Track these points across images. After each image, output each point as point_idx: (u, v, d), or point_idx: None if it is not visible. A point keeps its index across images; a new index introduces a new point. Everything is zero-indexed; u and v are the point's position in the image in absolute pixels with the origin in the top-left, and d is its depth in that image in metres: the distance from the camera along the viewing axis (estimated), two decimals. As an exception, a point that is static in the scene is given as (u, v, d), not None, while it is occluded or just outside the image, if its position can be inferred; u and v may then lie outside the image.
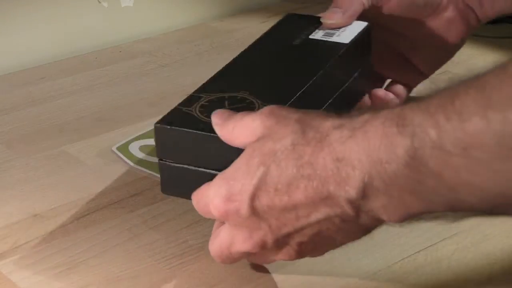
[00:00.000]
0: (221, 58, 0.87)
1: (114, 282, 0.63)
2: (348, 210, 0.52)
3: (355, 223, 0.53)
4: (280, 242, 0.56)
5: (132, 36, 1.09)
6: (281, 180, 0.53)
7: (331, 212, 0.52)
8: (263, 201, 0.54)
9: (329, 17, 0.73)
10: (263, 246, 0.56)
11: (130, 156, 0.79)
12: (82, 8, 1.07)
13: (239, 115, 0.58)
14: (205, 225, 0.69)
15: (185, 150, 0.62)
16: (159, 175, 0.76)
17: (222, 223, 0.59)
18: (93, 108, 0.89)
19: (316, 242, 0.56)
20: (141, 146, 0.80)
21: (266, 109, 0.56)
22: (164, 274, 0.63)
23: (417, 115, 0.47)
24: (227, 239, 0.58)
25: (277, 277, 0.63)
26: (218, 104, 0.63)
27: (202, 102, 0.64)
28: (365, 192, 0.50)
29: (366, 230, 0.55)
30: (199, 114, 0.62)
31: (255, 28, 1.10)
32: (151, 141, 0.76)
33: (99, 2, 1.08)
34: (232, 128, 0.57)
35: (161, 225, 0.69)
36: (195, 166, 0.62)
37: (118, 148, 0.80)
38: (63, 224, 0.69)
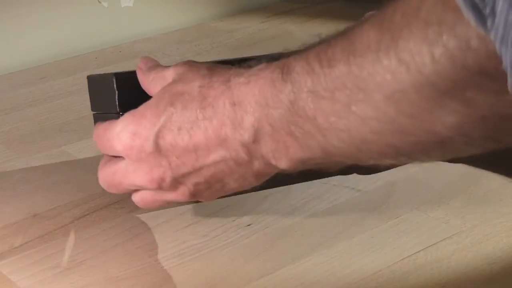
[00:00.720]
0: (221, 58, 0.87)
1: (114, 282, 0.63)
2: (242, 153, 0.55)
3: (249, 168, 0.56)
4: (177, 182, 0.59)
5: (132, 36, 1.09)
6: (185, 120, 0.56)
7: (227, 154, 0.56)
8: (167, 139, 0.57)
9: None
10: (160, 183, 0.59)
11: (130, 156, 0.78)
12: (82, 8, 1.07)
13: (161, 67, 0.62)
14: (205, 225, 0.69)
15: (108, 97, 0.64)
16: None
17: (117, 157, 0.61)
18: (93, 108, 0.89)
19: (211, 184, 0.58)
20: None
21: (183, 61, 0.61)
22: (164, 274, 0.63)
23: (298, 63, 0.51)
24: (123, 170, 0.60)
25: (277, 277, 0.63)
26: None
27: None
28: (256, 136, 0.54)
29: (259, 176, 0.58)
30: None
31: (255, 28, 1.10)
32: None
33: (99, 2, 1.08)
34: (151, 78, 0.61)
35: (161, 225, 0.69)
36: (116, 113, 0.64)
37: (118, 148, 0.79)
38: (63, 224, 0.69)
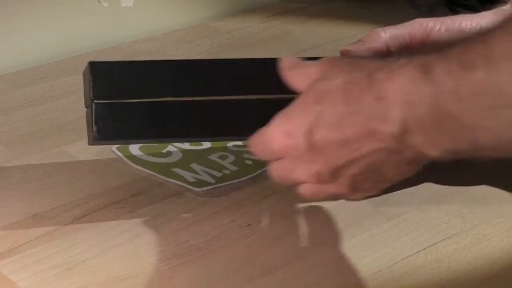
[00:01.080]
0: (221, 58, 0.87)
1: (114, 282, 0.63)
2: (393, 144, 0.57)
3: (402, 156, 0.58)
4: (335, 174, 0.61)
5: (132, 36, 1.09)
6: (333, 116, 0.58)
7: (378, 145, 0.58)
8: (319, 136, 0.59)
9: (350, 46, 0.72)
10: (318, 177, 0.62)
11: (130, 156, 0.79)
12: (82, 8, 1.07)
13: (303, 63, 0.64)
14: (205, 225, 0.69)
15: (124, 84, 0.67)
16: (159, 175, 0.76)
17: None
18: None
19: (368, 174, 0.61)
20: (141, 146, 0.79)
21: (324, 58, 0.63)
22: (164, 274, 0.63)
23: (439, 64, 0.54)
24: (284, 168, 0.64)
25: (277, 277, 0.63)
26: None
27: None
28: (403, 129, 0.56)
29: (414, 164, 0.60)
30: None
31: (255, 28, 1.10)
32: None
33: (99, 2, 1.08)
34: (296, 75, 0.64)
35: (161, 225, 0.69)
36: (137, 99, 0.66)
37: (118, 148, 0.79)
38: (63, 224, 0.69)
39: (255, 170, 0.76)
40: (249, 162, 0.77)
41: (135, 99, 0.67)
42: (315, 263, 0.64)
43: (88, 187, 0.75)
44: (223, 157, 0.78)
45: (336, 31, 1.05)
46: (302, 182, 0.64)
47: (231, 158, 0.78)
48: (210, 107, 0.68)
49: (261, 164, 0.77)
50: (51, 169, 0.78)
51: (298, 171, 0.63)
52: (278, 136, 0.62)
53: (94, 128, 0.67)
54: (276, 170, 0.65)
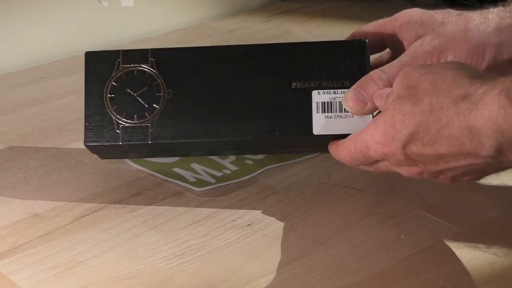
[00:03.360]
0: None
1: (114, 282, 0.63)
2: (490, 161, 0.59)
3: (500, 165, 0.61)
4: (435, 174, 0.63)
5: (132, 36, 1.09)
6: (426, 137, 0.60)
7: (475, 161, 0.60)
8: (414, 150, 0.62)
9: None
10: (420, 176, 0.64)
11: (130, 156, 0.79)
12: (82, 8, 1.07)
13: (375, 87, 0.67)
14: (205, 225, 0.69)
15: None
16: (159, 175, 0.76)
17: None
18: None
19: (468, 174, 0.63)
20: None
21: (403, 70, 0.64)
22: (164, 274, 0.63)
23: None
24: (385, 166, 0.66)
25: (277, 278, 0.63)
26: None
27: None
28: (498, 151, 0.58)
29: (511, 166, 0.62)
30: (115, 115, 0.69)
31: (255, 28, 1.10)
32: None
33: (99, 2, 1.08)
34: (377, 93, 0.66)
35: (161, 225, 0.69)
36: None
37: (118, 148, 0.79)
38: (63, 224, 0.69)
39: (255, 170, 0.76)
40: (249, 162, 0.77)
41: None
42: (315, 263, 0.64)
43: (88, 187, 0.75)
44: (223, 157, 0.78)
45: (336, 31, 1.05)
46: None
47: (231, 158, 0.78)
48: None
49: (261, 164, 0.77)
50: (51, 169, 0.78)
51: (399, 171, 0.65)
52: (376, 147, 0.63)
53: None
54: (376, 167, 0.67)
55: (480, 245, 0.66)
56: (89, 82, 0.70)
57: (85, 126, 0.69)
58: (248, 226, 0.69)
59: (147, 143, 0.68)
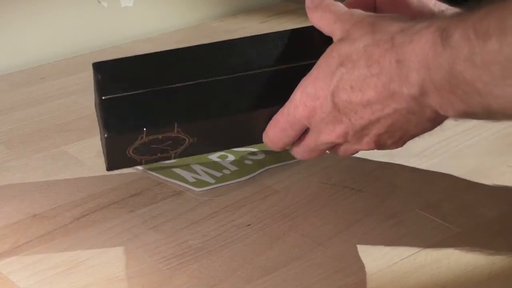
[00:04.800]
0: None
1: (114, 282, 0.63)
2: (412, 104, 0.59)
3: (422, 115, 0.60)
4: (360, 134, 0.63)
5: (132, 36, 1.09)
6: (355, 78, 0.61)
7: (399, 106, 0.60)
8: (342, 97, 0.62)
9: None
10: (345, 137, 0.64)
11: (130, 156, 0.79)
12: (82, 8, 1.07)
13: (326, 3, 0.67)
14: (205, 225, 0.69)
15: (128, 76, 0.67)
16: (159, 175, 0.76)
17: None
18: (93, 108, 0.89)
19: (392, 133, 0.63)
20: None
21: (347, 15, 0.65)
22: (164, 274, 0.63)
23: (456, 30, 0.55)
24: (313, 135, 0.66)
25: (277, 278, 0.63)
26: None
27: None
28: (422, 91, 0.58)
29: (434, 122, 0.62)
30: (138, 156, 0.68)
31: (255, 28, 1.10)
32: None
33: (99, 2, 1.08)
34: (319, 16, 0.68)
35: (161, 225, 0.69)
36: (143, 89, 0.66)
37: (118, 148, 0.80)
38: (63, 224, 0.69)
39: (255, 170, 0.76)
40: (249, 162, 0.77)
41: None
42: (315, 263, 0.64)
43: (88, 187, 0.75)
44: (223, 157, 0.78)
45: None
46: (329, 146, 0.66)
47: (231, 158, 0.78)
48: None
49: (261, 164, 0.77)
50: (51, 169, 0.78)
51: (325, 133, 0.65)
52: (305, 99, 0.64)
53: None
54: (304, 148, 0.68)
55: (480, 245, 0.66)
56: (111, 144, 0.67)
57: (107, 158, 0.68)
58: (248, 226, 0.69)
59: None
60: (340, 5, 0.67)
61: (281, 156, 0.77)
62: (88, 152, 0.81)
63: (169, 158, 0.70)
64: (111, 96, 0.66)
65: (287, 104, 0.66)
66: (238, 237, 0.67)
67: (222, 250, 0.66)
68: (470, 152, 0.78)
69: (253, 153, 0.79)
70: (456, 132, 0.82)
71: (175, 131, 0.67)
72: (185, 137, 0.68)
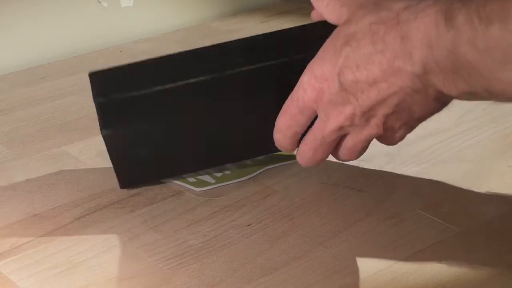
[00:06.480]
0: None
1: (114, 282, 0.63)
2: (417, 82, 0.60)
3: (427, 95, 0.61)
4: (368, 115, 0.63)
5: (132, 36, 1.10)
6: (360, 56, 0.61)
7: (404, 84, 0.60)
8: (348, 77, 0.62)
9: None
10: (353, 118, 0.64)
11: (130, 156, 0.79)
12: (82, 8, 1.07)
13: None
14: (205, 225, 0.69)
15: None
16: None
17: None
18: (93, 108, 0.89)
19: (399, 113, 0.63)
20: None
21: None
22: (164, 274, 0.63)
23: (460, 12, 0.56)
24: (319, 125, 0.66)
25: (277, 278, 0.63)
26: None
27: None
28: (425, 69, 0.58)
29: (439, 101, 0.62)
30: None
31: (255, 28, 1.10)
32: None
33: (99, 2, 1.08)
34: (326, 4, 0.67)
35: (161, 225, 0.69)
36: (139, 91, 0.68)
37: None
38: (63, 224, 0.70)
39: (255, 170, 0.76)
40: (249, 162, 0.77)
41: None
42: (315, 263, 0.64)
43: (88, 187, 0.75)
44: (223, 157, 0.78)
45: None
46: (337, 134, 0.66)
47: (231, 158, 0.78)
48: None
49: (261, 164, 0.77)
50: (51, 169, 0.78)
51: (333, 116, 0.65)
52: (313, 81, 0.64)
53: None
54: (308, 145, 0.68)
55: (480, 245, 0.66)
56: None
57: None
58: (248, 226, 0.69)
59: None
60: None
61: (281, 156, 0.77)
62: (88, 152, 0.81)
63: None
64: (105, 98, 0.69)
65: (296, 88, 0.66)
66: (238, 237, 0.67)
67: (222, 250, 0.66)
68: (470, 152, 0.78)
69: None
70: (456, 132, 0.82)
71: None
72: None
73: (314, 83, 0.64)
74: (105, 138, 0.68)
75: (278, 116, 0.68)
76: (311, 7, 0.70)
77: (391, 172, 0.75)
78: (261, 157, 0.78)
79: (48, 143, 0.83)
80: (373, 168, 0.76)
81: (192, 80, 0.68)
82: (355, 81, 0.62)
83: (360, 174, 0.75)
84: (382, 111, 0.63)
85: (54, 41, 1.05)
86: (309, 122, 0.67)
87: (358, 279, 0.62)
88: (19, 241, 0.67)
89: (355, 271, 0.63)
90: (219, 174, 0.76)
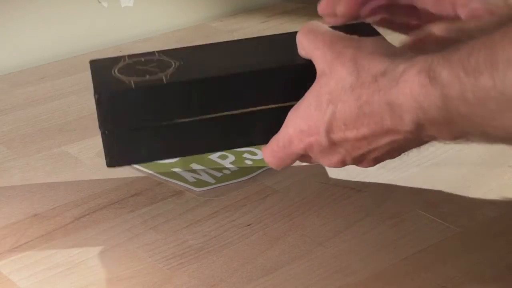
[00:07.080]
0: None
1: (114, 282, 0.63)
2: (409, 136, 0.60)
3: (419, 140, 0.62)
4: (357, 160, 0.64)
5: (132, 36, 1.09)
6: (348, 117, 0.61)
7: (395, 138, 0.60)
8: (337, 134, 0.62)
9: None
10: (343, 164, 0.65)
11: (130, 156, 0.79)
12: (82, 8, 1.07)
13: (314, 34, 0.65)
14: (205, 225, 0.69)
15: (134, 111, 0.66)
16: (159, 175, 0.76)
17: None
18: (93, 108, 0.89)
19: (389, 154, 0.64)
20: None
21: (327, 38, 0.64)
22: (164, 274, 0.63)
23: (443, 68, 0.55)
24: (313, 157, 0.66)
25: (277, 278, 0.63)
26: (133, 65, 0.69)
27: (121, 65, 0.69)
28: (417, 126, 0.58)
29: (431, 141, 0.63)
30: (119, 75, 0.68)
31: (255, 28, 1.10)
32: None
33: (99, 2, 1.08)
34: (307, 40, 0.65)
35: (161, 225, 0.69)
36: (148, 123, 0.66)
37: (118, 148, 0.79)
38: (63, 224, 0.70)
39: (255, 170, 0.76)
40: (249, 162, 0.77)
41: (146, 124, 0.67)
42: (315, 263, 0.64)
43: (88, 187, 0.75)
44: (223, 157, 0.78)
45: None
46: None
47: (231, 158, 0.78)
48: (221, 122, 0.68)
49: (261, 164, 0.77)
50: (51, 169, 0.78)
51: (323, 162, 0.65)
52: (301, 134, 0.64)
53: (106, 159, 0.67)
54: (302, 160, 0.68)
55: (480, 245, 0.66)
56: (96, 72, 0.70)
57: (95, 89, 0.68)
58: (248, 226, 0.69)
59: (163, 84, 0.67)
60: (321, 26, 0.66)
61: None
62: (88, 152, 0.81)
63: (161, 81, 0.67)
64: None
65: (281, 137, 0.65)
66: (238, 237, 0.67)
67: (222, 250, 0.66)
68: (470, 152, 0.78)
69: (253, 153, 0.79)
70: (456, 132, 0.82)
71: (156, 55, 0.69)
72: (170, 60, 0.68)
73: (301, 136, 0.64)
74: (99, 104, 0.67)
75: (265, 154, 0.67)
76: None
77: (391, 172, 0.75)
78: (261, 157, 0.78)
79: (48, 143, 0.83)
80: (373, 168, 0.76)
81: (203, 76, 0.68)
82: (344, 138, 0.62)
83: (360, 174, 0.75)
84: (372, 156, 0.63)
85: (54, 41, 1.05)
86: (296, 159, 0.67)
87: (358, 279, 0.62)
88: (19, 241, 0.67)
89: (355, 271, 0.63)
90: (219, 174, 0.76)
